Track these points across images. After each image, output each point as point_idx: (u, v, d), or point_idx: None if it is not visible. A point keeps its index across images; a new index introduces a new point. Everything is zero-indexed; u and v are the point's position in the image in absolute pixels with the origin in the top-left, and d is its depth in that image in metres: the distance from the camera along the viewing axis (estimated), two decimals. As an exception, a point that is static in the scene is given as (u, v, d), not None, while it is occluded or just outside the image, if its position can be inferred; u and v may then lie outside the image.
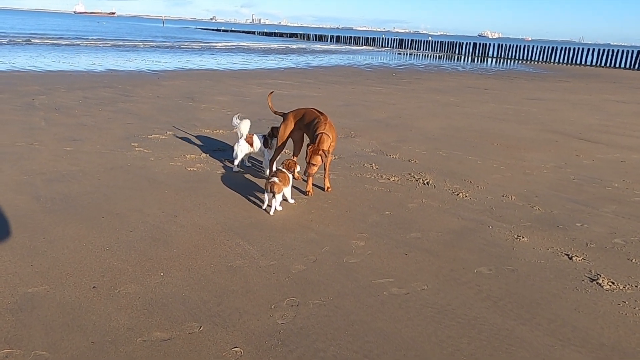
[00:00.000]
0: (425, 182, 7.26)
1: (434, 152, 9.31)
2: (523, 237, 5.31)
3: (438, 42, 68.95)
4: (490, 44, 63.83)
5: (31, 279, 4.03)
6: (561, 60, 53.63)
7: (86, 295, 3.83)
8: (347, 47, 69.83)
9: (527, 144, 10.44)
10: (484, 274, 4.46)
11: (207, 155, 8.40)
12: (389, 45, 73.83)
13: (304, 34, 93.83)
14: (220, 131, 10.46)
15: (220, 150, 8.74)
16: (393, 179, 7.36)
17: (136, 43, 46.65)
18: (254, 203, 6.07)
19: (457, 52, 65.62)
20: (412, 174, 7.64)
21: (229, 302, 3.79)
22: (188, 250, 4.70)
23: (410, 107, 15.25)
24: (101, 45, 41.55)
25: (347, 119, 12.57)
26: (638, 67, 48.91)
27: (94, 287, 3.95)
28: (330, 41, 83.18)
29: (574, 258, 4.85)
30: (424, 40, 70.89)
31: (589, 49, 53.96)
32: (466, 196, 6.68)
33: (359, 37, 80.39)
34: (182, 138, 9.62)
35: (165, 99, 14.89)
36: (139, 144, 9.01)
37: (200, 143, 9.25)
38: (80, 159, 7.69)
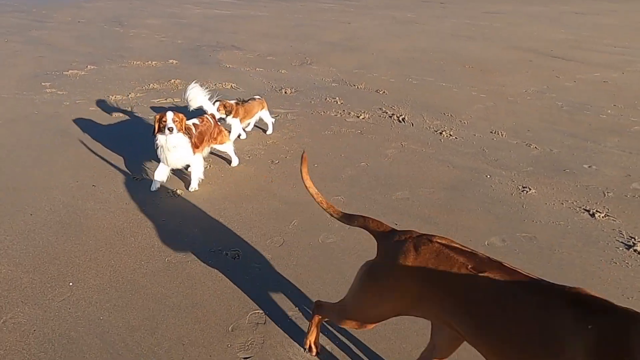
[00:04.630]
0: (401, 118, 6.16)
1: (402, 79, 8.16)
2: (530, 189, 4.39)
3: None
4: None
5: None
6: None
7: (-46, 334, 2.62)
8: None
9: (501, 65, 9.42)
10: (497, 247, 3.53)
11: (137, 94, 6.93)
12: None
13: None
14: (153, 63, 8.85)
15: (154, 90, 7.25)
16: (363, 116, 6.22)
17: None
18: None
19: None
20: (384, 109, 6.51)
21: (167, 328, 2.69)
22: (109, 240, 3.49)
23: (367, 26, 13.81)
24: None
25: (300, 42, 11.10)
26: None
27: (-33, 316, 2.74)
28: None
29: (596, 215, 3.98)
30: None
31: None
32: (450, 135, 5.66)
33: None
34: (106, 73, 8.01)
35: (87, 24, 12.81)
36: (51, 83, 7.38)
37: (129, 79, 7.70)
38: (-30, 109, 6.09)
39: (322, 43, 11.09)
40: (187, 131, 4.13)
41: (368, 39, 11.77)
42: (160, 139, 4.05)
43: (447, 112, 6.47)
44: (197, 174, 4.30)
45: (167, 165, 4.20)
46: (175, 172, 4.49)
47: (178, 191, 4.23)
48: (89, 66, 8.51)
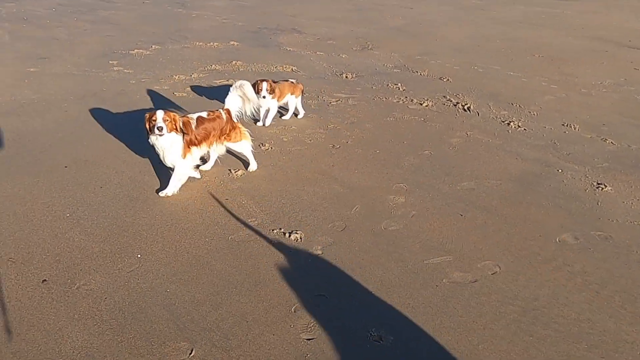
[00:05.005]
0: (466, 107, 5.95)
1: (467, 67, 7.88)
2: (605, 186, 4.14)
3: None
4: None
5: (-41, 268, 2.94)
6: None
7: (32, 296, 2.75)
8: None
9: (573, 55, 8.94)
10: (569, 244, 3.35)
11: (200, 75, 7.03)
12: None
13: None
14: (215, 44, 8.96)
15: (216, 70, 7.34)
16: (426, 103, 6.05)
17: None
18: (260, 144, 4.86)
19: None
20: (448, 97, 6.31)
21: (232, 304, 2.72)
22: (175, 216, 3.56)
23: (430, 12, 13.43)
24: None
25: (362, 27, 10.93)
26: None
27: (44, 280, 2.87)
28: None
29: (680, 217, 3.71)
30: None
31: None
32: (519, 126, 5.42)
33: None
34: (169, 53, 8.17)
35: (152, 5, 13.12)
36: (118, 61, 7.61)
37: (192, 59, 7.83)
38: (45, 84, 6.36)
39: (384, 28, 10.87)
40: (184, 127, 3.77)
41: (431, 25, 11.45)
42: (152, 139, 3.75)
43: (515, 102, 6.20)
44: (174, 180, 3.85)
45: (165, 164, 3.93)
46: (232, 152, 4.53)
47: (239, 171, 4.26)
48: (153, 46, 8.70)
